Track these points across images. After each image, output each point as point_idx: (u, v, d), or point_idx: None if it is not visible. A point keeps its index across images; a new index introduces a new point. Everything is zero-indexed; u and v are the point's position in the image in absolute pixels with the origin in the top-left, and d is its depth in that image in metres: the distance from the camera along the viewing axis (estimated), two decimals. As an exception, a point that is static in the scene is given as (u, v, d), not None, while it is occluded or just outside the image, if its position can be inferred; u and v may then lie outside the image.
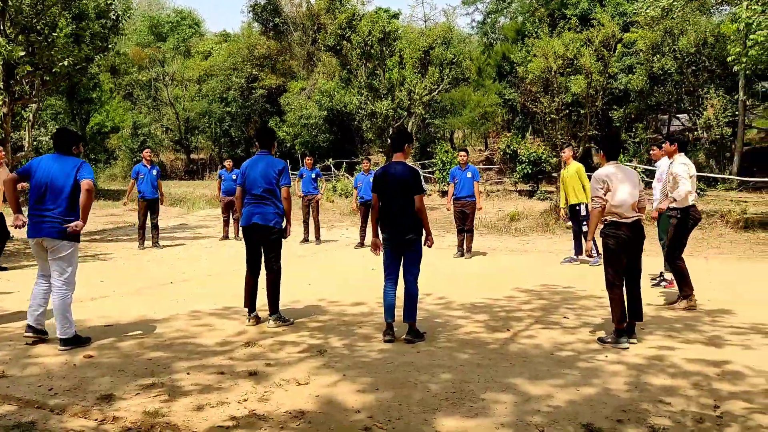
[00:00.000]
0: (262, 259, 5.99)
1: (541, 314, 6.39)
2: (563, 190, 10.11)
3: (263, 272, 5.99)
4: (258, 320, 5.97)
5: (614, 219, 5.31)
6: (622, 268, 5.31)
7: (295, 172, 14.35)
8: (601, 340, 5.33)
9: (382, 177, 5.57)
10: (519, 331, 5.71)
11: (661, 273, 7.98)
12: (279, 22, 41.09)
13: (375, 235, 5.74)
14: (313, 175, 12.92)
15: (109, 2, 13.62)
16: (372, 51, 18.44)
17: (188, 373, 4.51)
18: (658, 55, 21.53)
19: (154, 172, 11.91)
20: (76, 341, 5.18)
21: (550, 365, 4.67)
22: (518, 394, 4.08)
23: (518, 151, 21.13)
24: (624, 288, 5.34)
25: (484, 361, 4.77)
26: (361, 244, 12.04)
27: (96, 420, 3.71)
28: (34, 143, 25.29)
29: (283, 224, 5.97)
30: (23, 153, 14.22)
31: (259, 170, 5.87)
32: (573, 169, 9.84)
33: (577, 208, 9.77)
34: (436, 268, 9.24)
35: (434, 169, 23.63)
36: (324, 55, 34.86)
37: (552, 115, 14.77)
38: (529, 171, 20.18)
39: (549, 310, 6.57)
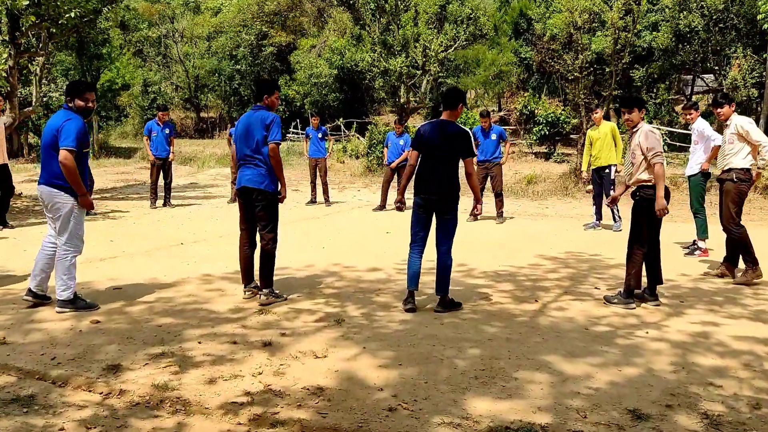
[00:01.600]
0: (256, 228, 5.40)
1: (570, 284, 6.06)
2: (588, 152, 9.60)
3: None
4: (256, 292, 5.37)
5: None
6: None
7: (302, 132, 13.87)
8: (607, 299, 5.31)
9: (427, 135, 5.06)
10: (548, 302, 5.39)
11: (694, 241, 7.61)
12: (290, -24, 39.97)
13: (402, 193, 5.38)
14: (320, 135, 12.38)
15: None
16: (386, 5, 17.76)
17: (200, 342, 4.24)
18: (684, 12, 20.67)
19: (167, 131, 11.57)
20: (73, 303, 4.91)
21: (586, 341, 4.35)
22: (554, 373, 3.77)
23: (536, 111, 20.53)
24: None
25: (514, 335, 4.46)
26: (382, 207, 11.65)
27: (101, 393, 3.45)
28: (45, 99, 24.91)
29: (279, 186, 5.35)
30: (31, 108, 13.84)
31: (247, 127, 5.29)
32: (606, 129, 9.30)
33: (607, 170, 9.29)
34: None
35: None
36: (335, 11, 33.95)
37: (575, 74, 14.18)
38: (546, 132, 19.61)
39: (578, 280, 6.24)
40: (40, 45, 12.93)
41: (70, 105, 4.96)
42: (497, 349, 4.17)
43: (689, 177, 7.73)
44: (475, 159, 5.41)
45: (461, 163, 5.11)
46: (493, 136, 10.22)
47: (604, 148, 9.24)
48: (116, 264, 6.76)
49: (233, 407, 3.28)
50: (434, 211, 5.10)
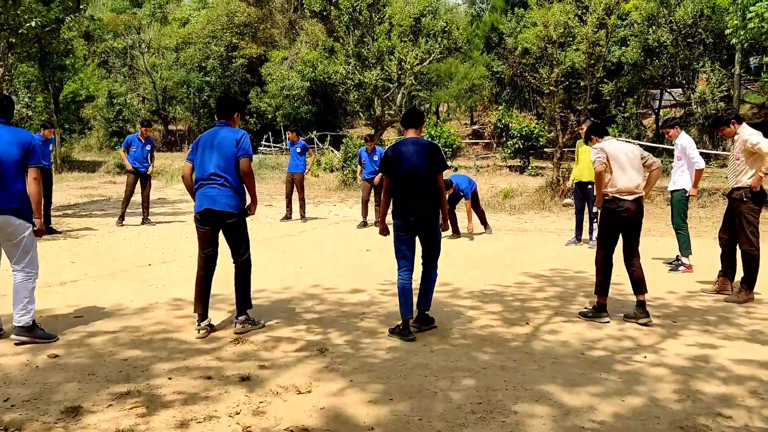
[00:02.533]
0: (218, 251, 5.02)
1: (559, 304, 5.83)
2: (578, 164, 9.37)
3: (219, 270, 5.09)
4: (211, 329, 4.84)
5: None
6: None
7: (274, 146, 13.53)
8: (582, 314, 5.32)
9: (394, 156, 4.83)
10: (539, 324, 5.15)
11: (678, 257, 7.49)
12: (260, -12, 39.65)
13: (383, 221, 5.13)
14: (299, 150, 12.09)
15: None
16: (360, 17, 17.58)
17: (170, 378, 3.89)
18: (653, 27, 20.92)
19: (148, 147, 11.10)
20: (30, 332, 4.51)
21: (584, 368, 4.11)
22: (555, 405, 3.52)
23: (510, 125, 20.52)
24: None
25: (509, 363, 4.20)
26: (365, 224, 11.40)
27: (59, 442, 3.09)
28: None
29: (247, 203, 4.99)
30: (-11, 121, 13.23)
31: (213, 144, 4.83)
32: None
33: (590, 186, 9.10)
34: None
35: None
36: (307, 23, 33.70)
37: (550, 87, 14.13)
38: (521, 146, 19.59)
39: (566, 299, 6.02)
40: (0, 56, 12.40)
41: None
42: (493, 378, 3.91)
43: (672, 192, 7.61)
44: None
45: None
46: (375, 157, 11.26)
47: (590, 163, 9.05)
48: (78, 288, 6.33)
49: (209, 454, 2.96)
50: (417, 229, 4.84)
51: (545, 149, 19.39)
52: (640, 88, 24.85)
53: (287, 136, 12.57)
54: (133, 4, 51.01)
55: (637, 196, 5.22)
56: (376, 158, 11.26)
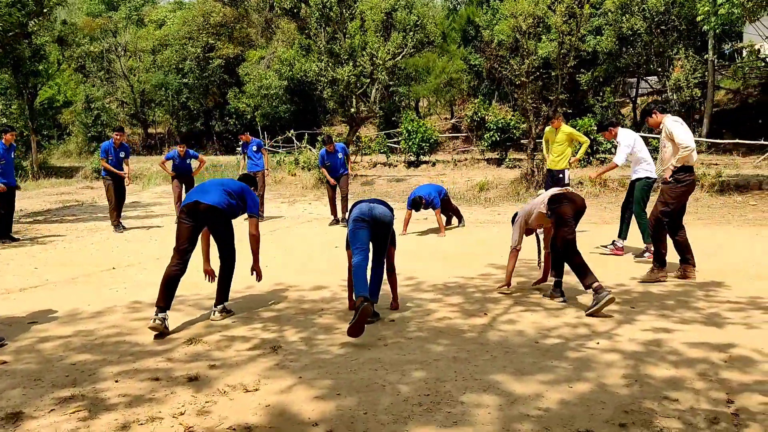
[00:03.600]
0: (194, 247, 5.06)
1: (520, 294, 5.83)
2: (546, 150, 9.67)
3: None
4: (165, 327, 4.74)
5: None
6: None
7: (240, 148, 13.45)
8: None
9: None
10: (498, 314, 5.13)
11: (647, 248, 7.50)
12: (235, -13, 39.40)
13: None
14: (255, 148, 12.16)
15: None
16: (331, 14, 17.49)
17: (116, 381, 3.83)
18: (627, 15, 20.99)
19: (122, 154, 10.98)
20: None
21: (537, 356, 4.10)
22: (502, 394, 3.50)
23: (486, 118, 20.51)
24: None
25: (461, 354, 4.18)
26: (337, 221, 11.43)
27: (-6, 449, 3.03)
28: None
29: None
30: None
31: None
32: (565, 132, 9.28)
33: (560, 175, 9.22)
34: (403, 245, 8.61)
35: (400, 138, 22.91)
36: (282, 22, 33.53)
37: (522, 79, 14.14)
38: (497, 138, 19.58)
39: (528, 289, 6.02)
40: (-37, 62, 12.22)
41: None
42: (443, 370, 3.89)
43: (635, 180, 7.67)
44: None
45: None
46: (340, 155, 11.43)
47: (560, 152, 9.27)
48: (37, 294, 6.24)
49: (147, 456, 2.91)
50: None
51: (522, 141, 19.40)
52: (617, 77, 24.94)
53: (241, 138, 12.49)
54: (109, 7, 50.53)
55: None
56: (340, 155, 11.32)
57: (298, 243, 9.42)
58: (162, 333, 4.71)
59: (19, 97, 29.82)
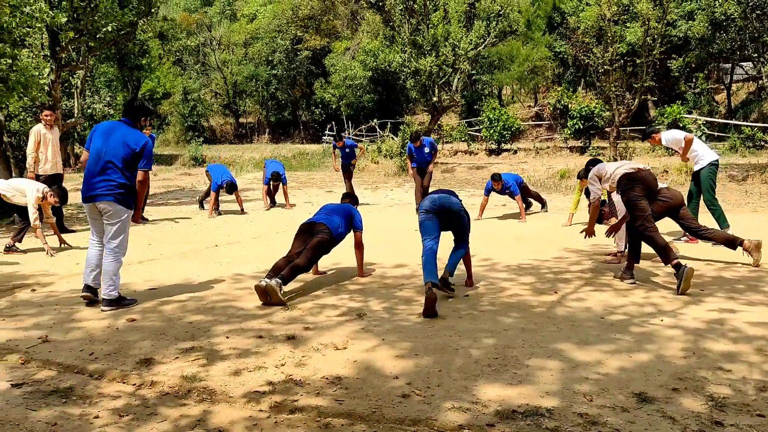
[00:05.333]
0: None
1: (592, 276, 6.11)
2: None
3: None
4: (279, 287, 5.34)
5: None
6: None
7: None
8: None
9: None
10: (567, 293, 5.47)
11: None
12: (322, -20, 40.47)
13: None
14: (348, 150, 13.23)
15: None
16: (415, 5, 17.90)
17: (227, 337, 4.47)
18: (719, 0, 20.20)
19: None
20: (118, 302, 5.24)
21: (601, 330, 4.43)
22: (565, 360, 3.87)
23: (569, 106, 20.35)
24: None
25: (530, 326, 4.57)
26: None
27: (134, 385, 3.69)
28: (88, 110, 25.82)
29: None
30: (73, 119, 14.46)
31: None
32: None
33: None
34: (480, 229, 9.00)
35: (481, 126, 23.07)
36: (368, 13, 34.25)
37: (605, 66, 14.05)
38: (581, 126, 19.42)
39: (600, 271, 6.28)
40: (80, 59, 13.50)
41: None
42: (512, 338, 4.29)
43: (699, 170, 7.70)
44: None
45: None
46: (426, 149, 11.65)
47: None
48: (152, 266, 7.09)
49: (256, 396, 3.48)
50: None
51: (605, 129, 19.15)
52: (710, 62, 24.01)
53: (336, 145, 13.38)
54: (204, 2, 53.00)
55: None
56: (427, 150, 11.73)
57: (381, 225, 9.97)
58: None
59: (123, 89, 32.04)
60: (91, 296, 5.34)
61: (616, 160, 14.64)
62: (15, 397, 3.49)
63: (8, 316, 5.10)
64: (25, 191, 7.80)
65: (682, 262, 5.43)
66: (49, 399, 3.49)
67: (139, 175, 5.36)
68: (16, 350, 4.24)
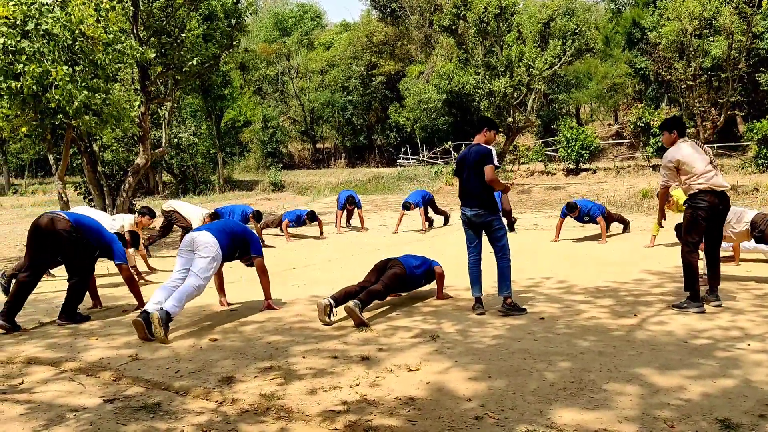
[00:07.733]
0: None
1: (674, 298, 5.89)
2: None
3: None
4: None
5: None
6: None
7: (412, 158, 14.28)
8: (676, 306, 5.50)
9: (459, 160, 5.96)
10: (648, 316, 5.29)
11: None
12: (396, 6, 41.27)
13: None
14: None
15: (235, 1, 14.19)
16: (488, 28, 17.93)
17: (304, 357, 4.60)
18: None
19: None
20: (168, 320, 5.19)
21: (683, 354, 4.27)
22: (645, 385, 3.76)
23: (651, 123, 19.71)
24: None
25: (608, 349, 4.45)
26: None
27: (216, 402, 3.87)
28: (175, 140, 27.23)
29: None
30: (161, 149, 15.30)
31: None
32: None
33: None
34: (557, 251, 8.83)
35: (558, 147, 22.68)
36: (442, 37, 34.56)
37: (688, 82, 13.57)
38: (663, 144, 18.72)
39: (684, 294, 6.03)
40: (168, 91, 14.31)
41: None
42: (589, 362, 4.20)
43: None
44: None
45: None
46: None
47: None
48: (233, 288, 7.36)
49: (331, 415, 3.57)
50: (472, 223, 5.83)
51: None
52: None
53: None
54: (282, 33, 55.03)
55: None
56: None
57: (453, 248, 9.95)
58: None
59: (207, 118, 33.56)
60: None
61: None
62: (107, 412, 3.72)
63: (102, 335, 5.44)
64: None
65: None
66: (138, 414, 3.70)
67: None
68: (108, 368, 4.52)
